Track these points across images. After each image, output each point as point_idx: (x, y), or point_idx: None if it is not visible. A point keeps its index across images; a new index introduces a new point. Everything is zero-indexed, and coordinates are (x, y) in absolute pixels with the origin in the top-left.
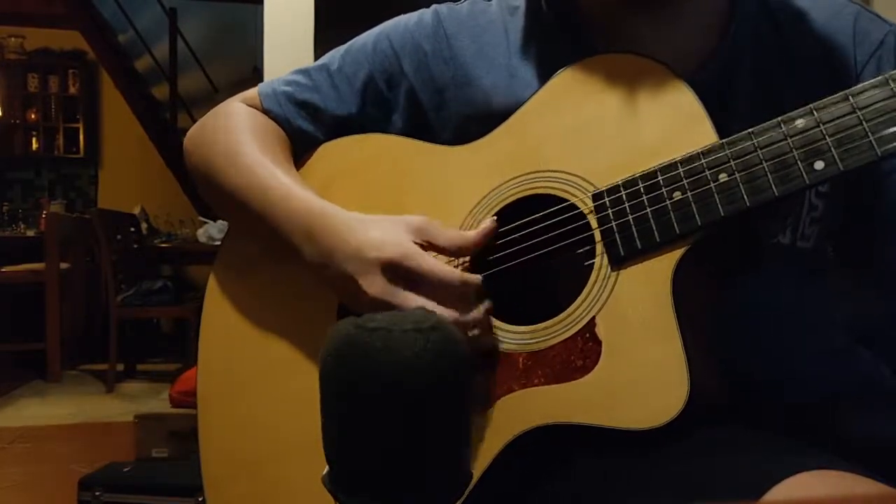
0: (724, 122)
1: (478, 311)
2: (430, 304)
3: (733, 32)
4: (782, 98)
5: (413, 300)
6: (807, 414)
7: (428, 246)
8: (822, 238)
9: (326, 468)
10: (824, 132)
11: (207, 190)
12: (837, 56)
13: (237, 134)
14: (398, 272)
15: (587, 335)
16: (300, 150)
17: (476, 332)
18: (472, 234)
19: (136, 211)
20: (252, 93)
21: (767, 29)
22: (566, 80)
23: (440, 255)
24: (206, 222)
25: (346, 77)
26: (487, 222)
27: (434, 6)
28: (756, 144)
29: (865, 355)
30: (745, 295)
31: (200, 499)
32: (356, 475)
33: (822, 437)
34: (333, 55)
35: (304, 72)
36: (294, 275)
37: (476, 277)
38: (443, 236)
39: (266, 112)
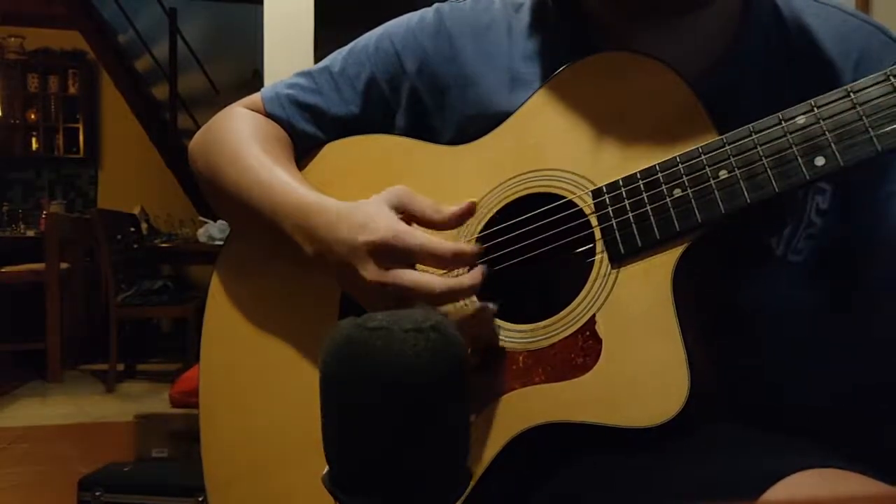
0: (730, 127)
1: (471, 279)
2: (424, 280)
3: (745, 39)
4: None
5: (406, 277)
6: (807, 416)
7: (409, 216)
8: (813, 253)
9: (326, 468)
10: (824, 128)
11: (211, 192)
12: (838, 78)
13: (239, 136)
14: (389, 253)
15: (587, 333)
16: (303, 151)
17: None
18: (448, 209)
19: (136, 211)
20: (255, 97)
21: (778, 39)
22: (566, 78)
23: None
24: (206, 222)
25: (349, 78)
26: (465, 203)
27: (436, 4)
28: (756, 141)
29: (864, 359)
30: (745, 296)
31: (200, 499)
32: (356, 475)
33: (822, 440)
34: (336, 56)
35: (307, 74)
36: (296, 275)
37: (469, 247)
38: (419, 208)
39: (269, 116)
